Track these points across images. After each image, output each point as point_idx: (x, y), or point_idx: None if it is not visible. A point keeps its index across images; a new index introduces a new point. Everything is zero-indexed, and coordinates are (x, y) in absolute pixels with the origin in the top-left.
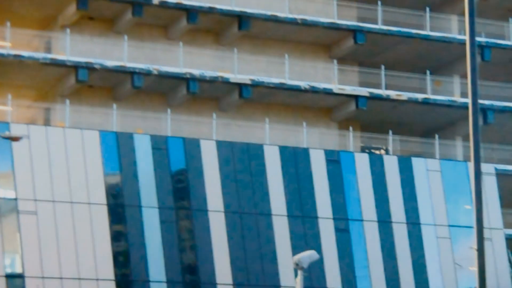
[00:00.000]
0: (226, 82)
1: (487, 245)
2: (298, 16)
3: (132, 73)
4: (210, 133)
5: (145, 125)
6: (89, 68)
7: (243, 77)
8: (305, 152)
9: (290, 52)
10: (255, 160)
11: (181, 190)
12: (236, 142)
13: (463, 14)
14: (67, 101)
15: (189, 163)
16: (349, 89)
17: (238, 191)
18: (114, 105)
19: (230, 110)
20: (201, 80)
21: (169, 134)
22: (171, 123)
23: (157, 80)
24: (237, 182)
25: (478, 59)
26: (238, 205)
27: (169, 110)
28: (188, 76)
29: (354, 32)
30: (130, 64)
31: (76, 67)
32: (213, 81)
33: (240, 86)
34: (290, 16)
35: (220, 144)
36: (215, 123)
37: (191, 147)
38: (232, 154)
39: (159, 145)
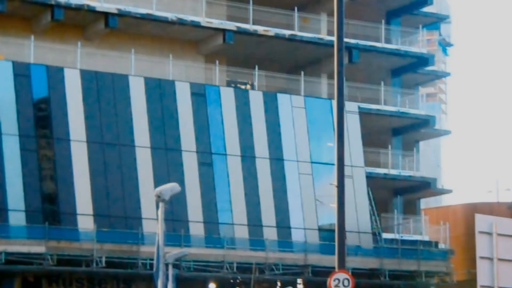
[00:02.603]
0: (92, 10)
1: (347, 182)
2: None
3: None
4: (75, 61)
5: (7, 51)
6: None
7: (110, 6)
8: (170, 84)
9: None
10: (119, 91)
11: (43, 119)
12: (101, 72)
13: None
14: None
15: (52, 91)
16: (216, 23)
17: (102, 121)
18: None
19: (96, 39)
20: (67, 7)
21: (32, 61)
22: (34, 50)
23: (21, 5)
24: (100, 112)
25: None
26: (101, 135)
27: (32, 37)
28: (53, 2)
29: None
30: None
31: None
32: (79, 8)
33: (106, 15)
34: None
35: (84, 73)
36: (80, 52)
37: (55, 75)
38: (96, 84)
39: (21, 72)
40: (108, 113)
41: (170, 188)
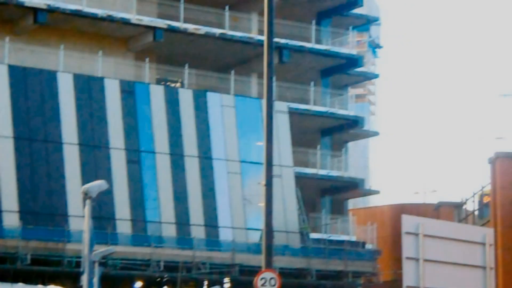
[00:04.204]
0: (20, 5)
1: (276, 182)
2: None
3: None
4: (2, 57)
5: None
6: None
7: (39, 1)
8: (99, 81)
9: None
10: (48, 87)
11: None
12: (29, 68)
13: None
14: None
15: None
16: (147, 20)
17: (29, 117)
18: None
19: (24, 35)
20: None
21: None
22: None
23: None
24: (28, 108)
25: None
26: (28, 132)
27: None
28: None
29: None
30: None
31: None
32: (7, 3)
33: (35, 10)
34: None
35: (12, 69)
36: (8, 47)
37: None
38: (25, 80)
39: None
40: (36, 109)
41: (97, 185)
